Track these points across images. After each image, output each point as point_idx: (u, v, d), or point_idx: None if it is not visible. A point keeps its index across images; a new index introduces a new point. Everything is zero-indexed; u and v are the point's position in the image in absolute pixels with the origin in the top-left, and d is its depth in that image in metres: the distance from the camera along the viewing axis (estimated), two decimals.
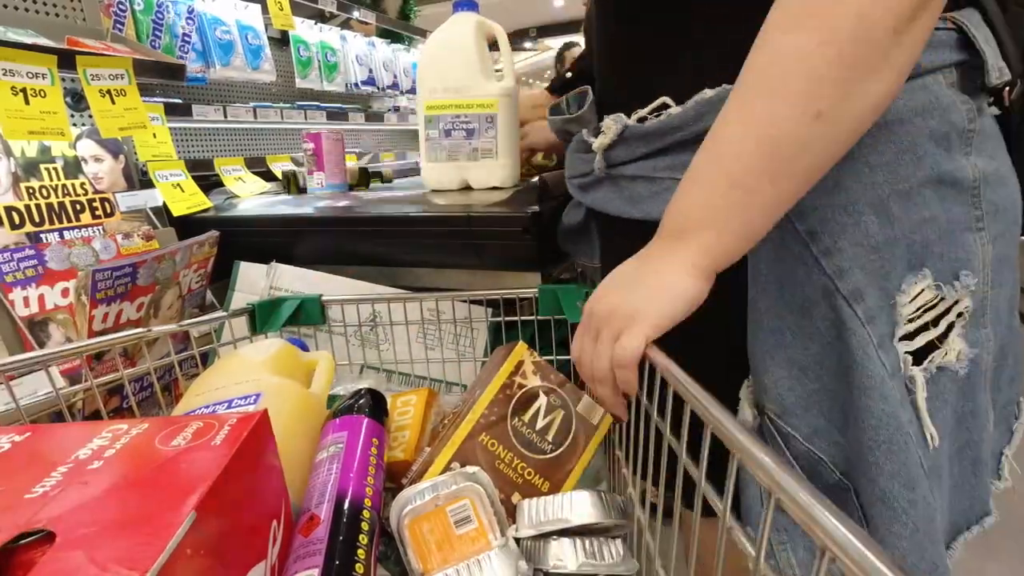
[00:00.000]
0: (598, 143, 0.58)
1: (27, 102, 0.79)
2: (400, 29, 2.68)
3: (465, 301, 0.78)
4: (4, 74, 0.77)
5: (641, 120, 0.55)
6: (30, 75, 0.80)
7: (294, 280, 0.87)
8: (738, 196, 0.41)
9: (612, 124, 0.56)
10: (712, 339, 0.52)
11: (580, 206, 0.73)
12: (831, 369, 0.48)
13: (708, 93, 0.50)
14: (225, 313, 0.72)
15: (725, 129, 0.42)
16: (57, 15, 0.97)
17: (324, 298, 0.78)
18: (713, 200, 0.42)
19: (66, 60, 0.85)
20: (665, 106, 0.53)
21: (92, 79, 0.88)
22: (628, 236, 0.52)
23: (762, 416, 0.52)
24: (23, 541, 0.27)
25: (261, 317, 0.75)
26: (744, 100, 0.42)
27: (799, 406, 0.49)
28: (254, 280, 0.89)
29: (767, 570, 0.26)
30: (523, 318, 0.74)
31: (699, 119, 0.50)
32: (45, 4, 0.96)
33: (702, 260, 0.43)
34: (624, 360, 0.43)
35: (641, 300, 0.43)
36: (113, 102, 0.90)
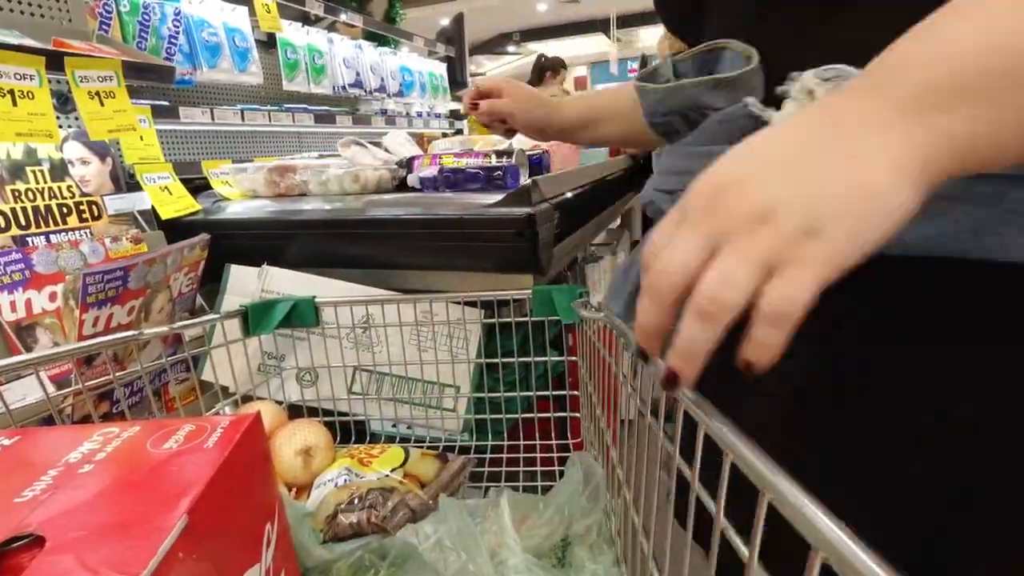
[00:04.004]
0: None
1: (14, 103, 0.78)
2: (386, 32, 2.69)
3: (458, 303, 0.78)
4: None
5: None
6: (18, 76, 0.79)
7: (286, 283, 0.86)
8: None
9: (823, 81, 0.34)
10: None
11: None
12: None
13: None
14: (218, 315, 0.71)
15: None
16: (42, 16, 0.96)
17: (317, 300, 0.77)
18: (1013, 45, 0.23)
19: (53, 61, 0.84)
20: None
21: (81, 81, 0.87)
22: None
23: None
24: (12, 545, 0.26)
25: (254, 319, 0.75)
26: None
27: None
28: (245, 283, 0.88)
29: (760, 571, 0.26)
30: (517, 319, 0.75)
31: None
32: (30, 4, 0.95)
33: (941, 156, 0.25)
34: (786, 312, 0.25)
35: (825, 199, 0.25)
36: (102, 104, 0.89)
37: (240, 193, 1.11)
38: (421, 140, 1.93)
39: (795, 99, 0.35)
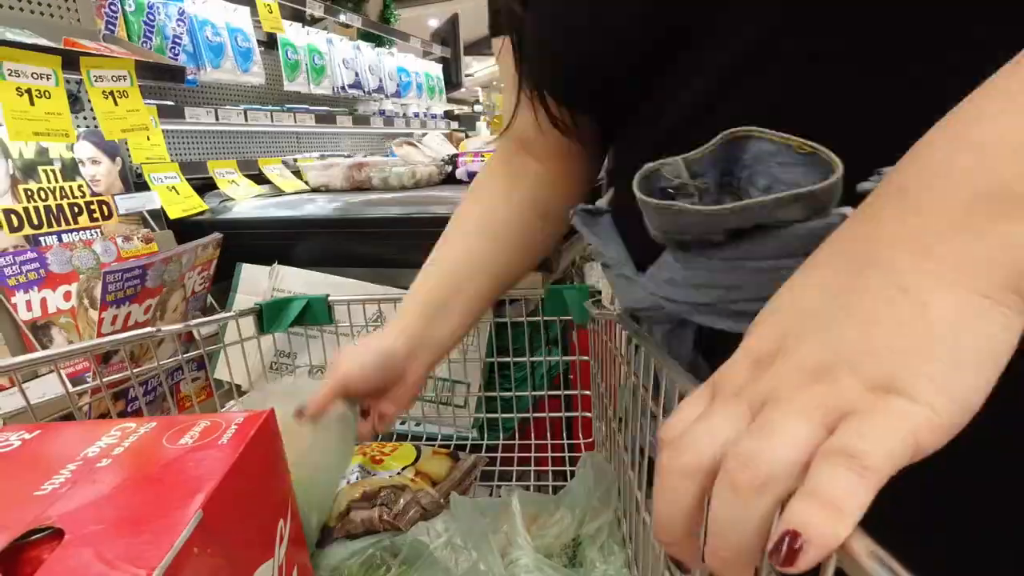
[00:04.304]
0: None
1: (32, 103, 0.79)
2: (383, 32, 2.70)
3: None
4: (10, 75, 0.77)
5: None
6: (35, 76, 0.79)
7: (296, 281, 0.86)
8: None
9: None
10: None
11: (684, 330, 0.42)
12: None
13: None
14: (233, 313, 0.72)
15: None
16: (52, 15, 0.97)
17: (331, 298, 0.77)
18: None
19: (67, 61, 0.84)
20: None
21: (95, 80, 0.88)
22: None
23: None
24: (32, 538, 0.27)
25: (269, 317, 0.75)
26: None
27: None
28: (256, 281, 0.89)
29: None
30: (529, 319, 0.74)
31: None
32: (40, 4, 0.95)
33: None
34: (873, 464, 0.18)
35: (894, 348, 0.19)
36: (116, 103, 0.90)
37: (289, 187, 1.22)
38: (450, 138, 1.99)
39: None
